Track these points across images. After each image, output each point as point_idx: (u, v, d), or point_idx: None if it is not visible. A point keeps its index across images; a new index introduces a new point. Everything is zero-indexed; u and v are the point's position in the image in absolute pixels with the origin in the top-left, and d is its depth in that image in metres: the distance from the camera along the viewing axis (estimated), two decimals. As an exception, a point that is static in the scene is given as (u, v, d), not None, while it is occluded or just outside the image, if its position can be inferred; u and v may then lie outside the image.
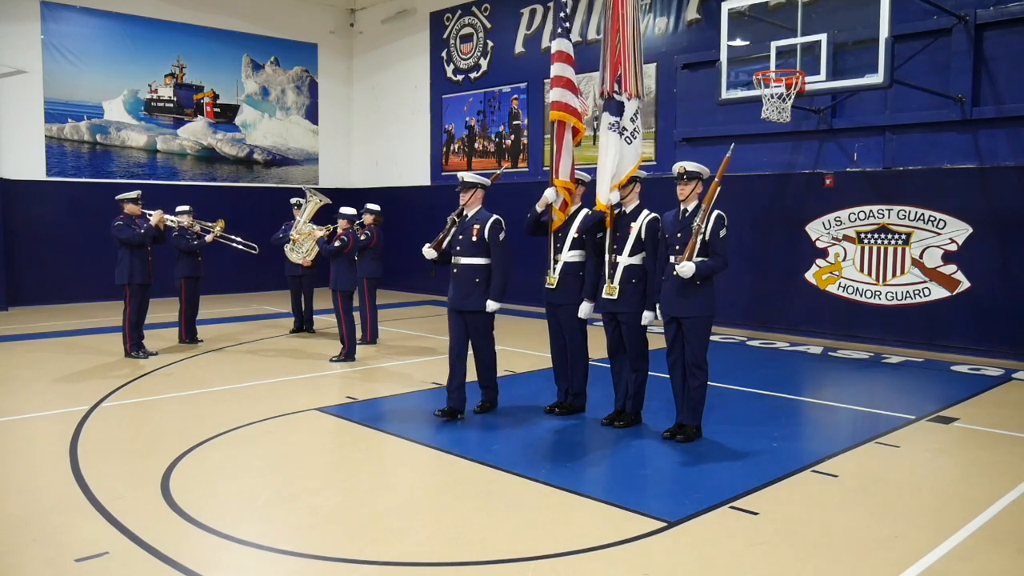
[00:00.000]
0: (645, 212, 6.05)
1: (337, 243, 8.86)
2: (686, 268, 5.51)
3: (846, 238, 9.93)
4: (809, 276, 10.26)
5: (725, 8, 9.22)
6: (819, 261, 10.17)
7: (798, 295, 10.36)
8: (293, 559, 3.87)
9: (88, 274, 13.51)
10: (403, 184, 16.23)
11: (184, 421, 6.32)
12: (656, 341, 6.32)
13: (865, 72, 8.17)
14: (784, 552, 3.94)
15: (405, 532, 4.20)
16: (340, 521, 4.38)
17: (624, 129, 6.28)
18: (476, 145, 15.01)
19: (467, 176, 6.33)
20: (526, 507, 4.56)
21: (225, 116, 15.94)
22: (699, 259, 5.58)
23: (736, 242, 10.82)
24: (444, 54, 15.55)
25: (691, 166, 5.76)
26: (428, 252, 6.42)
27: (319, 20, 17.13)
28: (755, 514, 4.41)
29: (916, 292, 9.40)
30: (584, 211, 6.36)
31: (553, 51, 6.68)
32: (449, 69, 15.48)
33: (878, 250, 9.68)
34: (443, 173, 15.65)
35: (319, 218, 10.70)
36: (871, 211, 9.72)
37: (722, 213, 5.67)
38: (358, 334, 9.40)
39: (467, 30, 15.06)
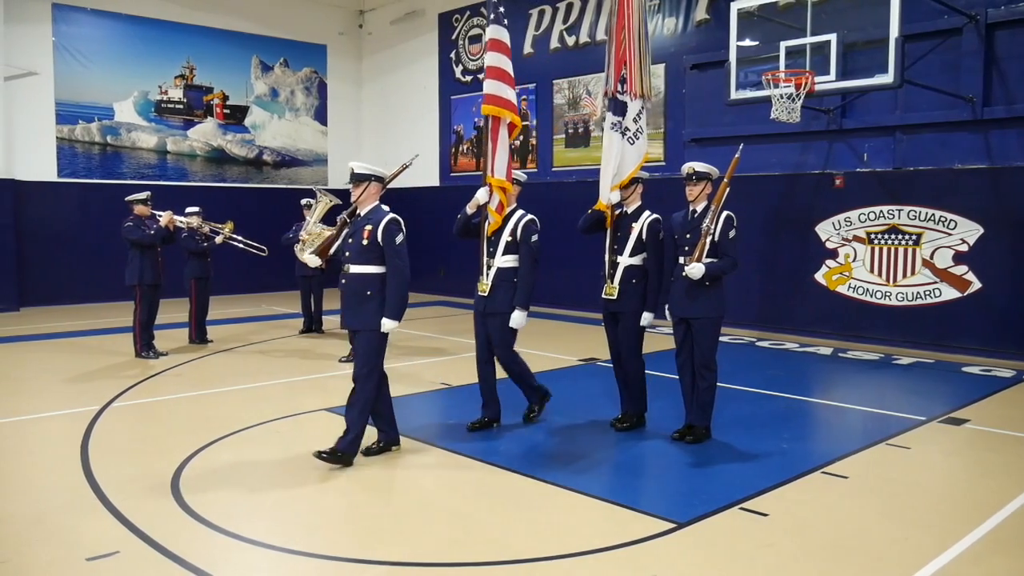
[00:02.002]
0: (647, 213, 6.01)
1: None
2: (695, 269, 5.52)
3: (856, 239, 9.89)
4: (819, 277, 10.22)
5: (734, 8, 9.20)
6: (829, 262, 10.13)
7: (808, 296, 10.32)
8: (302, 559, 3.88)
9: (99, 275, 13.56)
10: (412, 185, 16.24)
11: (194, 421, 6.34)
12: (664, 342, 6.29)
13: (875, 72, 8.14)
14: (794, 553, 3.93)
15: (414, 532, 4.20)
16: (349, 521, 4.39)
17: (627, 129, 6.22)
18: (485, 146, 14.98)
19: (357, 166, 5.34)
20: (535, 508, 4.56)
21: (235, 117, 15.99)
22: (708, 260, 5.57)
23: (745, 243, 10.80)
24: (453, 55, 15.57)
25: (700, 167, 5.75)
26: (311, 259, 5.61)
27: (328, 21, 17.17)
28: (765, 515, 4.40)
29: (927, 293, 9.35)
30: (519, 213, 6.00)
31: (487, 39, 6.23)
32: (458, 70, 15.49)
33: (888, 251, 9.64)
34: (452, 174, 15.67)
35: (329, 219, 10.69)
36: (881, 211, 9.67)
37: (731, 214, 5.65)
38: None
39: (476, 31, 15.06)
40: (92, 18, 14.09)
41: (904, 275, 9.53)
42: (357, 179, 5.30)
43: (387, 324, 5.18)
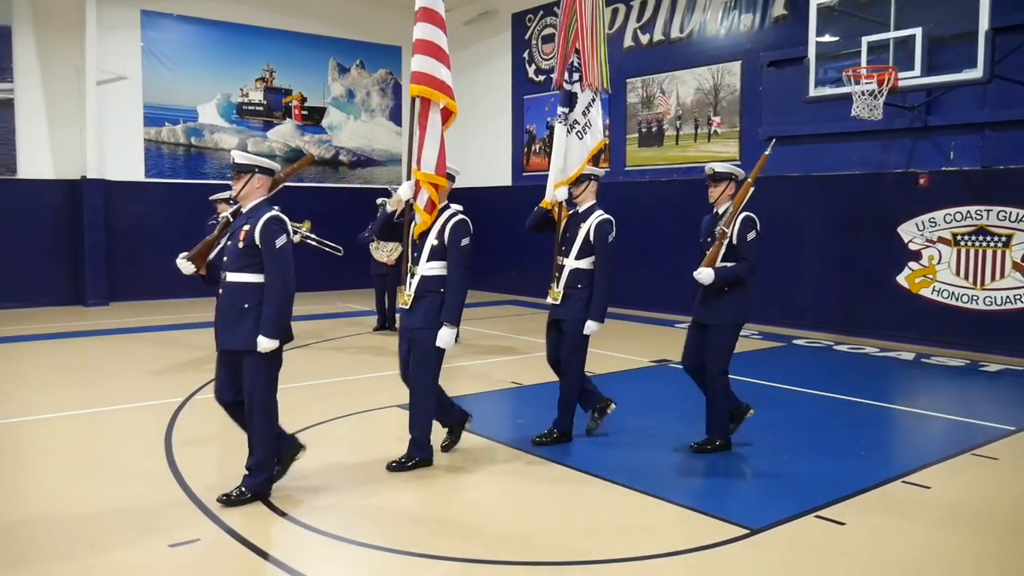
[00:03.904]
0: (598, 213, 5.62)
1: (419, 243, 8.97)
2: (703, 275, 5.28)
3: (941, 240, 9.54)
4: (901, 279, 9.90)
5: (814, 3, 8.99)
6: (912, 264, 9.80)
7: (889, 299, 10.01)
8: (373, 552, 3.94)
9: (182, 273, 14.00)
10: (484, 184, 16.34)
11: (271, 415, 6.49)
12: (747, 344, 6.17)
13: (963, 67, 7.85)
14: (871, 565, 3.82)
15: (482, 529, 4.23)
16: (419, 516, 4.44)
17: (575, 123, 5.83)
18: (557, 145, 14.97)
19: (239, 155, 4.54)
20: (604, 509, 4.54)
21: (312, 118, 16.34)
22: (722, 264, 5.34)
23: (823, 244, 10.60)
24: (526, 55, 15.60)
25: (720, 167, 5.53)
26: (185, 266, 4.58)
27: (403, 23, 17.34)
28: (842, 524, 4.28)
29: (1017, 297, 8.96)
30: (450, 211, 5.19)
31: (417, 7, 5.32)
32: (531, 69, 15.52)
33: (976, 253, 9.28)
34: (524, 173, 15.71)
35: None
36: (968, 212, 9.31)
37: (752, 215, 5.40)
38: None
39: (549, 30, 15.06)
40: (178, 24, 14.60)
41: (992, 278, 9.16)
42: (238, 170, 4.48)
43: (263, 343, 4.31)
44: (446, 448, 5.45)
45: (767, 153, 5.63)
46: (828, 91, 8.92)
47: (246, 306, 4.38)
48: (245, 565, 3.81)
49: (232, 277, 4.43)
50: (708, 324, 5.47)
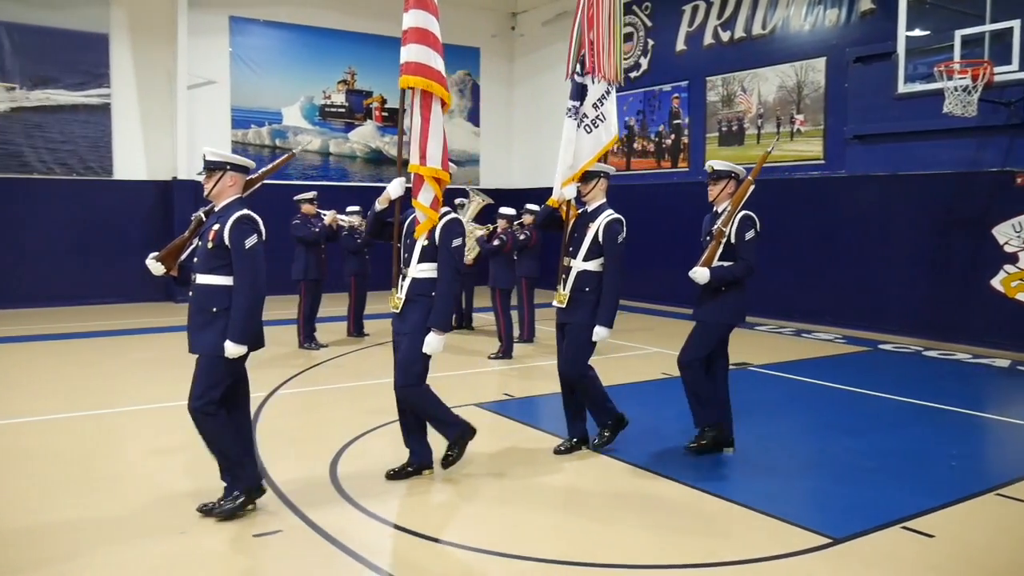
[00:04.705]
0: (607, 212, 5.30)
1: (496, 242, 9.05)
2: (699, 274, 5.16)
3: (1039, 242, 9.11)
4: (995, 283, 9.48)
5: (904, -3, 8.71)
6: (1007, 267, 9.38)
7: (982, 303, 9.60)
8: (450, 549, 3.99)
9: (267, 270, 14.40)
10: (561, 184, 16.34)
11: (351, 410, 6.64)
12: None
13: (1064, 61, 7.50)
14: (962, 579, 3.68)
15: (558, 530, 4.23)
16: (495, 515, 4.47)
17: (584, 116, 5.47)
18: (635, 145, 14.88)
19: (210, 152, 4.34)
20: (681, 513, 4.48)
21: (393, 120, 16.59)
22: (719, 264, 5.19)
23: (912, 245, 10.23)
24: (604, 54, 15.50)
25: (719, 165, 5.39)
26: (154, 267, 4.38)
27: (481, 24, 17.52)
28: (930, 536, 4.13)
29: (1123, 302, 8.49)
30: (443, 211, 4.90)
31: None
32: (609, 69, 15.41)
33: (1078, 255, 8.82)
34: (601, 173, 15.62)
35: (481, 218, 10.95)
36: (1070, 213, 8.87)
37: (750, 214, 5.24)
38: (516, 332, 9.54)
39: (627, 29, 14.94)
40: (264, 29, 15.03)
41: (1096, 282, 8.70)
42: (208, 167, 4.29)
43: (230, 349, 4.12)
44: (447, 463, 5.03)
45: (769, 151, 5.50)
46: (918, 87, 8.64)
47: (214, 310, 4.17)
48: (324, 556, 3.90)
49: (201, 279, 4.23)
50: (699, 321, 5.37)
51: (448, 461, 5.00)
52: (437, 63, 4.97)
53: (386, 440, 5.77)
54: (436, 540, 4.08)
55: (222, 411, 4.26)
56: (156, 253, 4.38)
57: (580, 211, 5.46)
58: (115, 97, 13.74)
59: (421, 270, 4.82)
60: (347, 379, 7.86)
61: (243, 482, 4.30)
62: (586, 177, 5.39)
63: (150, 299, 13.75)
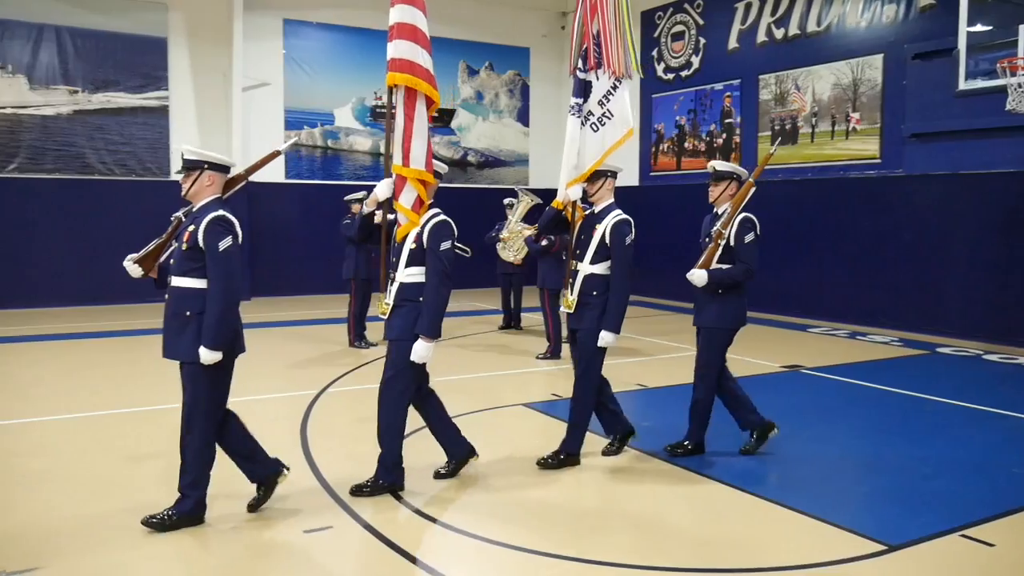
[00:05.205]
0: (615, 213, 5.11)
1: (544, 242, 9.04)
2: (697, 277, 5.07)
3: (1108, 243, 8.80)
4: (1061, 285, 9.18)
5: (965, -9, 8.48)
6: (1073, 268, 9.08)
7: (1047, 306, 9.30)
8: (497, 548, 3.99)
9: (318, 269, 14.63)
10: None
11: (400, 409, 6.68)
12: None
13: None
14: (1024, 590, 3.57)
15: (606, 532, 4.21)
16: (544, 515, 4.46)
17: (590, 114, 5.26)
18: (686, 144, 14.75)
19: (188, 150, 4.20)
20: (731, 517, 4.43)
21: (442, 120, 16.68)
22: (717, 267, 5.10)
23: (973, 247, 9.96)
24: (655, 53, 15.41)
25: (721, 165, 5.30)
26: (132, 269, 4.27)
27: (532, 25, 17.52)
28: (991, 545, 4.01)
29: None
30: (430, 212, 4.79)
31: None
32: (660, 68, 15.31)
33: None
34: (652, 173, 15.53)
35: (530, 218, 10.95)
36: None
37: (750, 216, 5.14)
38: (564, 333, 9.51)
39: (678, 28, 14.83)
40: (317, 31, 15.24)
41: None
42: (187, 166, 4.17)
43: (204, 355, 3.96)
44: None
45: (771, 152, 5.39)
46: (980, 84, 8.42)
47: (188, 314, 4.02)
48: (374, 554, 3.94)
49: (176, 281, 4.10)
50: (700, 327, 5.32)
51: (355, 491, 4.65)
52: (424, 60, 4.87)
53: (434, 440, 5.79)
54: (481, 539, 4.09)
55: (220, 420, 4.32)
56: (134, 255, 4.27)
57: (587, 212, 5.28)
58: (172, 99, 14.06)
59: (409, 274, 4.68)
60: (396, 377, 7.92)
61: (266, 468, 4.45)
62: (593, 177, 5.22)
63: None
